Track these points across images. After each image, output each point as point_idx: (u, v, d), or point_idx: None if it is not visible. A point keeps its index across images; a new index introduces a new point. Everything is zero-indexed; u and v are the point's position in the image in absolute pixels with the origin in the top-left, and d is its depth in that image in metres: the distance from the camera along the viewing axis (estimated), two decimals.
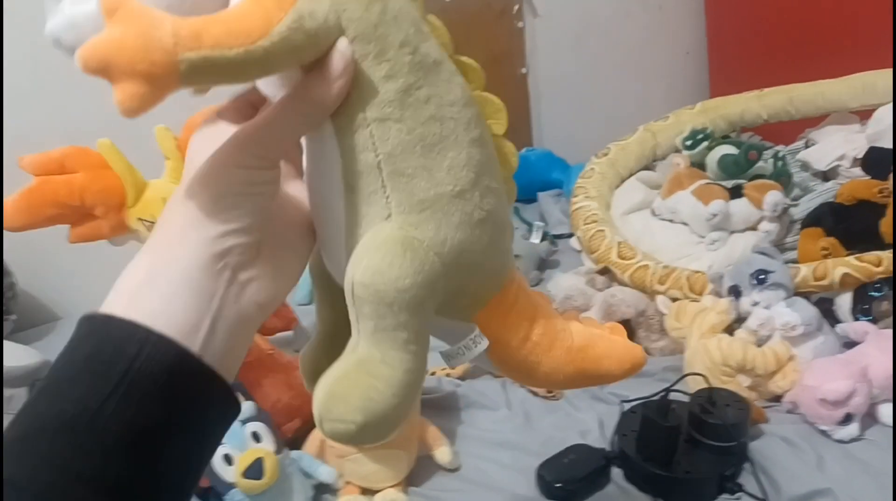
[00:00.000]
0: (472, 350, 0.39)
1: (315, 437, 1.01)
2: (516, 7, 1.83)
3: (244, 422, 0.92)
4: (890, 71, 1.47)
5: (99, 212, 0.94)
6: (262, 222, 0.34)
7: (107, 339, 0.30)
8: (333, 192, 0.36)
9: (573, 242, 1.54)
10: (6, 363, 1.23)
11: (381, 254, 0.34)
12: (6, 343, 1.32)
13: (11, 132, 1.46)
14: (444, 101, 0.35)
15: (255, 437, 0.91)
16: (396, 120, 0.34)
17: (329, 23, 0.32)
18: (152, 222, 0.96)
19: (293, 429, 1.04)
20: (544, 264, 1.51)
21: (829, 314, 1.15)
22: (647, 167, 1.64)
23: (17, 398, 1.16)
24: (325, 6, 0.32)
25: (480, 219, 0.37)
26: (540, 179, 1.81)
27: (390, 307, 0.33)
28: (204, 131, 0.37)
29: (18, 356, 1.27)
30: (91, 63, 0.29)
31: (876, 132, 1.42)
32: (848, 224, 1.25)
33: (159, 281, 0.32)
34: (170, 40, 0.29)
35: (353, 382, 0.34)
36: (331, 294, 0.42)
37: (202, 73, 0.30)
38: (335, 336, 0.43)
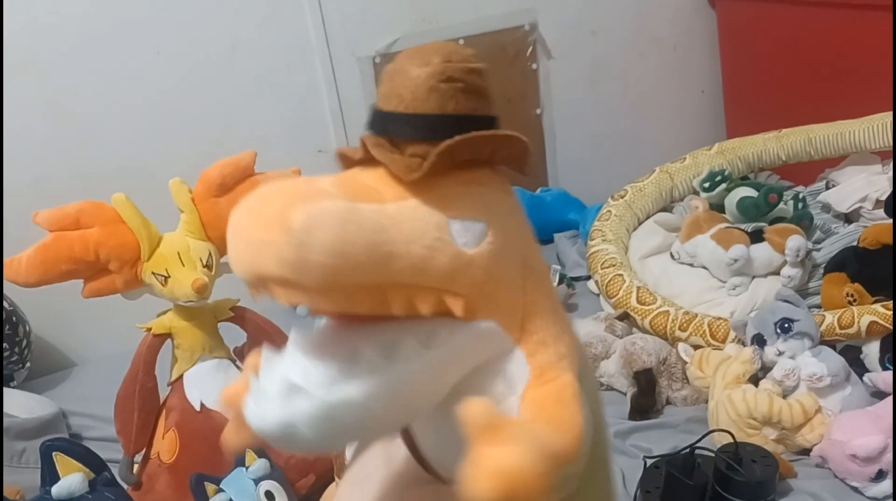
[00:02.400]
0: None
1: (329, 494, 0.99)
2: (530, 49, 1.84)
3: (257, 481, 0.90)
4: None
5: (113, 267, 0.94)
6: None
7: None
8: None
9: (591, 284, 1.52)
10: (20, 414, 1.22)
11: None
12: (20, 393, 1.31)
13: (28, 179, 1.47)
14: None
15: (269, 497, 0.90)
16: None
17: None
18: (166, 276, 0.95)
19: (307, 486, 1.01)
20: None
21: (855, 363, 1.12)
22: (665, 209, 1.62)
23: (30, 450, 1.14)
24: None
25: None
26: (555, 219, 1.79)
27: None
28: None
29: (32, 406, 1.26)
30: (497, 493, 0.29)
31: None
32: (873, 269, 1.22)
33: None
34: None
35: None
36: None
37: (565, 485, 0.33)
38: None
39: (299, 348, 0.32)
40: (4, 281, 0.93)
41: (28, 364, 1.42)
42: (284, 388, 0.30)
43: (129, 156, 1.52)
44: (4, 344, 1.33)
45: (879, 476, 0.94)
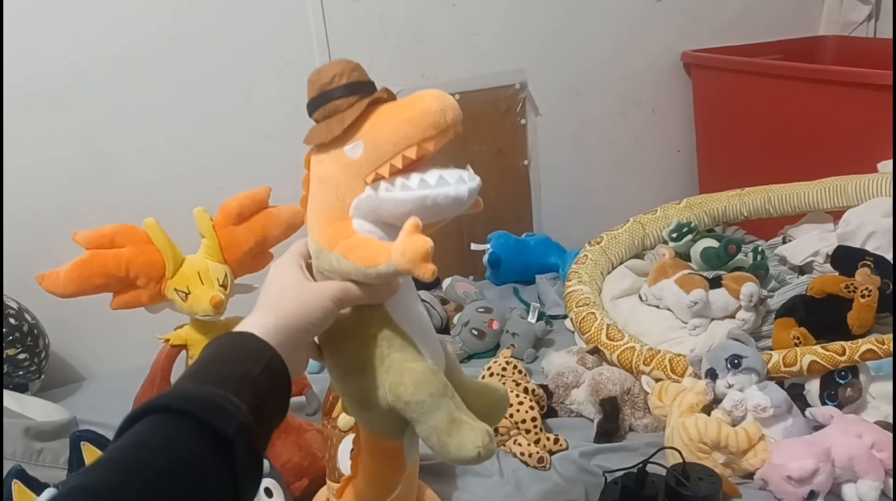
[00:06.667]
0: None
1: (321, 496, 1.09)
2: (520, 106, 2.00)
3: None
4: (858, 177, 1.61)
5: (141, 282, 1.06)
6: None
7: (254, 346, 0.56)
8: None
9: (567, 322, 1.64)
10: (38, 418, 1.32)
11: None
12: (36, 399, 1.41)
13: (55, 205, 1.60)
14: None
15: (268, 493, 1.00)
16: None
17: None
18: (187, 293, 1.07)
19: (301, 488, 1.11)
20: (540, 343, 1.59)
21: (800, 399, 1.24)
22: (637, 256, 1.76)
23: (46, 450, 1.24)
24: None
25: None
26: (538, 262, 1.92)
27: None
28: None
29: (48, 412, 1.37)
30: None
31: (845, 232, 1.54)
32: (817, 316, 1.34)
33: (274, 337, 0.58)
34: None
35: None
36: None
37: None
38: None
39: (439, 172, 0.61)
40: (37, 293, 1.05)
41: (42, 376, 1.52)
42: (468, 176, 0.61)
43: (150, 188, 1.66)
44: (25, 355, 1.44)
45: (811, 496, 1.05)
